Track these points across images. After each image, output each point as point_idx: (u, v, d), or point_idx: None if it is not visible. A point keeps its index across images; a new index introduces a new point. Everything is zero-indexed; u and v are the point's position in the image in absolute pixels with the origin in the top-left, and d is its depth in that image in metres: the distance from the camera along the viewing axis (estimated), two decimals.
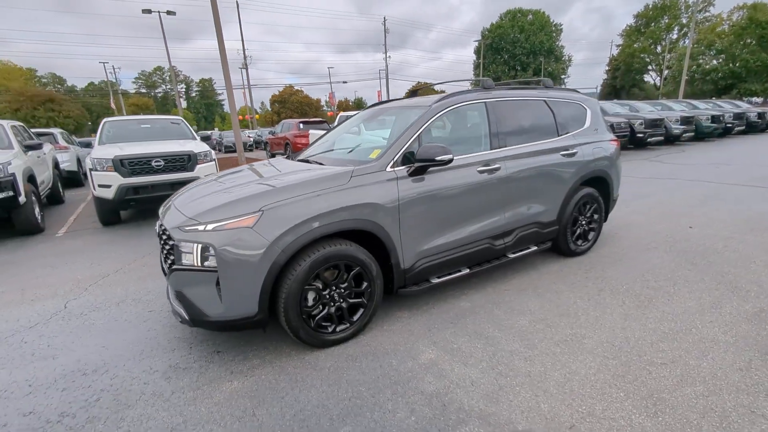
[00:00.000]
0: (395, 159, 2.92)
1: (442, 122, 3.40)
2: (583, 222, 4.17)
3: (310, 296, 2.63)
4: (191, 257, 2.41)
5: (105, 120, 7.91)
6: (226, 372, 2.53)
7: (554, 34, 51.19)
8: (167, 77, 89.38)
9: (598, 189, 4.21)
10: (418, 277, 3.08)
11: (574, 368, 2.40)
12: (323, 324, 2.71)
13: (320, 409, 2.16)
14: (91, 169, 6.25)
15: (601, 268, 3.87)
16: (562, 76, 53.59)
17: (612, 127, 12.77)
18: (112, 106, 39.07)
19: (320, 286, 2.65)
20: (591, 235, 4.29)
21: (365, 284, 2.80)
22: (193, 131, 8.38)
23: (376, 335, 2.87)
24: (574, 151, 3.92)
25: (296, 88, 55.96)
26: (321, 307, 2.68)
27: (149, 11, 27.50)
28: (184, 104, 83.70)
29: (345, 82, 57.45)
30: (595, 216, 4.26)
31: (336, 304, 2.72)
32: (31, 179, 6.70)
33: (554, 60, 51.66)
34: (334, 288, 2.70)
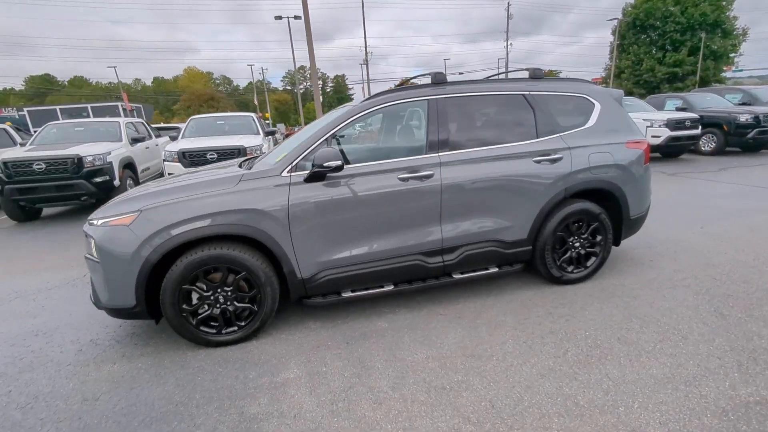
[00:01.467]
0: (293, 164, 2.77)
1: (369, 123, 3.10)
2: (576, 244, 3.37)
3: (194, 295, 2.70)
4: (90, 248, 2.69)
5: (191, 118, 9.19)
6: (118, 355, 2.77)
7: (724, 2, 41.33)
8: (308, 75, 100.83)
9: (601, 204, 3.34)
10: (323, 288, 2.89)
11: (418, 425, 1.99)
12: (212, 324, 2.76)
13: (145, 408, 2.22)
14: (164, 160, 7.52)
15: (582, 303, 3.08)
16: (732, 55, 43.11)
17: (732, 125, 9.99)
18: (255, 102, 45.21)
19: (204, 287, 2.69)
20: (590, 261, 3.44)
21: (254, 290, 2.75)
22: (259, 126, 9.17)
23: (266, 342, 2.81)
24: (558, 156, 3.16)
25: (413, 81, 56.23)
26: (206, 307, 2.73)
27: (280, 17, 31.11)
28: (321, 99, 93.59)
29: (461, 73, 55.70)
30: (597, 238, 3.39)
31: (221, 307, 2.74)
32: (129, 166, 8.24)
33: (721, 35, 41.81)
34: (219, 291, 2.71)
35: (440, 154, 2.97)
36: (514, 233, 3.17)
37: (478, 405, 2.10)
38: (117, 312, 2.68)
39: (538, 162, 3.12)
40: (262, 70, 64.59)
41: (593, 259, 3.45)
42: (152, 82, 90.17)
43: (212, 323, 2.77)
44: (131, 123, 9.57)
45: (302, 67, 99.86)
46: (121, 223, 2.57)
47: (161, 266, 2.62)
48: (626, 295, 3.17)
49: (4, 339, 3.07)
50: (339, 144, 3.19)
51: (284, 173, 2.75)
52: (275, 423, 2.05)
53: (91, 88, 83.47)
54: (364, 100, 3.01)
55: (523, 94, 3.24)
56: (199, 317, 2.72)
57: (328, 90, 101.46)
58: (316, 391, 2.28)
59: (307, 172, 2.72)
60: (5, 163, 6.93)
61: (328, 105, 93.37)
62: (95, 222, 2.66)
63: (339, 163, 2.62)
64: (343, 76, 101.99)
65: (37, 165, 6.93)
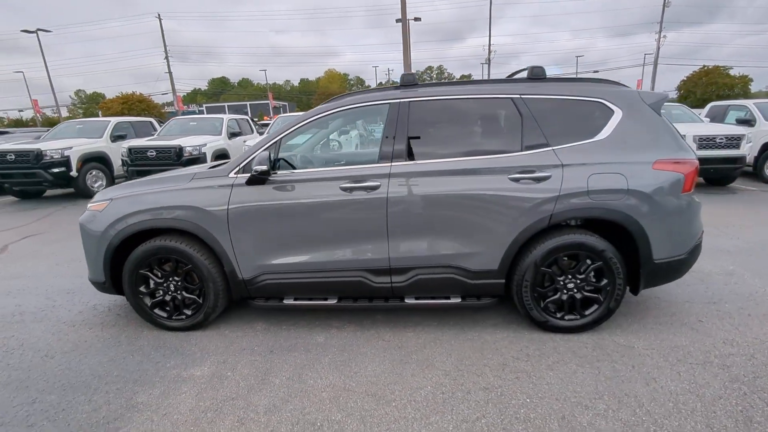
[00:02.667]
0: (241, 165, 2.79)
1: (326, 127, 2.93)
2: (569, 285, 2.69)
3: (152, 281, 2.94)
4: None
5: (279, 117, 9.85)
6: (99, 322, 3.18)
7: None
8: (434, 75, 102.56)
9: (609, 239, 2.60)
10: (265, 292, 2.88)
11: None
12: (166, 309, 2.98)
13: (74, 374, 2.51)
14: None
15: (555, 360, 2.45)
16: None
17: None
18: None
19: (158, 275, 2.92)
20: (591, 309, 2.72)
21: (200, 284, 2.88)
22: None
23: (208, 335, 2.92)
24: (545, 174, 2.56)
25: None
26: (160, 292, 2.96)
27: (399, 20, 31.90)
28: None
29: (596, 71, 49.35)
30: (603, 281, 2.65)
31: (171, 294, 2.93)
32: (223, 156, 9.40)
33: None
34: (170, 279, 2.91)
35: (392, 164, 2.66)
36: (481, 262, 2.68)
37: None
38: (95, 285, 3.08)
39: (517, 180, 2.56)
40: (388, 71, 67.05)
41: (595, 307, 2.72)
42: (299, 83, 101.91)
43: (167, 308, 2.98)
44: (234, 120, 10.89)
45: (430, 68, 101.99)
46: (96, 208, 2.93)
47: (126, 249, 2.91)
48: (623, 362, 2.42)
49: (44, 291, 3.81)
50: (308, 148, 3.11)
51: (231, 174, 2.80)
52: (143, 417, 2.11)
53: (253, 89, 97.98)
54: (324, 103, 2.88)
55: (512, 98, 2.69)
56: (153, 300, 2.96)
57: None
58: (203, 395, 2.28)
59: (247, 175, 2.71)
60: (129, 149, 8.57)
61: None
62: (88, 206, 3.09)
63: (264, 168, 2.56)
64: (469, 75, 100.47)
65: (150, 152, 8.39)
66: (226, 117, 10.42)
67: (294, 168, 2.91)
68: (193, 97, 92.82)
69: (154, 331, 2.99)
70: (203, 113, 40.02)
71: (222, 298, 2.90)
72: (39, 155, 8.21)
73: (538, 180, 2.55)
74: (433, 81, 2.50)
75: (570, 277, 2.68)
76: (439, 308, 3.04)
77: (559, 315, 2.74)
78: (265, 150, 2.76)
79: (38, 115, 44.34)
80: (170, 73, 40.28)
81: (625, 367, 2.38)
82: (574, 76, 3.62)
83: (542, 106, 2.67)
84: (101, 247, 2.87)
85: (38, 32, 33.27)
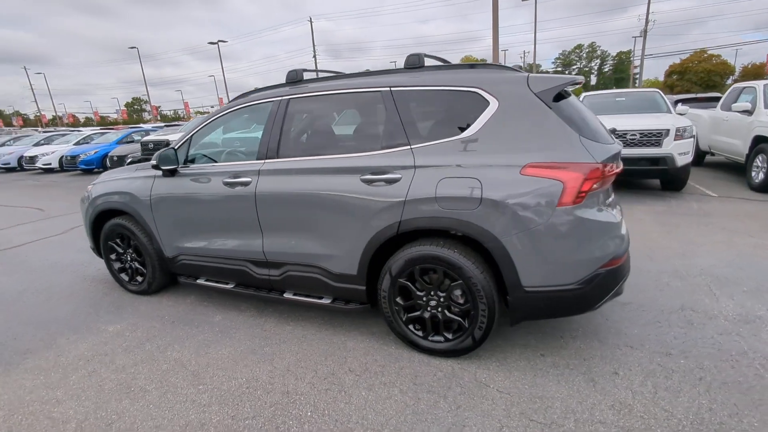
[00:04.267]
0: None
1: (232, 123, 3.11)
2: (432, 303, 2.37)
3: (117, 251, 3.63)
4: None
5: (584, 94, 7.94)
6: (93, 277, 4.06)
7: None
8: (584, 54, 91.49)
9: (467, 255, 2.20)
10: (184, 270, 3.29)
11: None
12: (128, 274, 3.65)
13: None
14: None
15: (370, 384, 2.23)
16: None
17: None
18: None
19: (120, 246, 3.59)
20: (456, 335, 2.35)
21: (143, 257, 3.46)
22: (669, 104, 7.27)
23: (146, 300, 3.46)
24: (395, 176, 2.29)
25: (710, 52, 41.15)
26: (121, 262, 3.63)
27: None
28: (593, 80, 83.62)
29: None
30: (467, 305, 2.26)
31: (129, 264, 3.58)
32: None
33: None
34: (127, 251, 3.55)
35: (265, 161, 2.73)
36: (341, 265, 2.56)
37: (77, 411, 2.11)
38: (92, 250, 3.93)
39: (369, 182, 2.36)
40: (524, 53, 62.34)
41: (460, 332, 2.34)
42: None
43: (128, 274, 3.65)
44: None
45: (579, 46, 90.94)
46: (88, 190, 3.74)
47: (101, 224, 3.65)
48: (459, 400, 2.06)
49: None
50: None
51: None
52: (49, 353, 2.72)
53: None
54: (231, 101, 3.08)
55: (380, 92, 2.46)
56: (119, 266, 3.65)
57: (606, 70, 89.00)
58: (95, 347, 2.77)
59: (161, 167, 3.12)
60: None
61: (603, 86, 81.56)
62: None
63: (154, 162, 2.91)
64: (629, 52, 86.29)
65: (631, 136, 6.09)
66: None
67: (215, 162, 3.21)
68: None
69: (120, 292, 3.70)
70: None
71: (158, 271, 3.41)
72: (167, 144, 10.37)
73: (389, 182, 2.31)
74: (388, 69, 2.37)
75: (431, 294, 2.36)
76: (315, 307, 2.98)
77: (422, 333, 2.45)
78: (179, 147, 3.13)
79: None
80: (317, 71, 45.16)
81: (456, 406, 2.03)
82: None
83: (411, 100, 2.38)
84: (87, 221, 3.68)
85: (219, 43, 41.23)
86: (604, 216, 2.08)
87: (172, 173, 3.09)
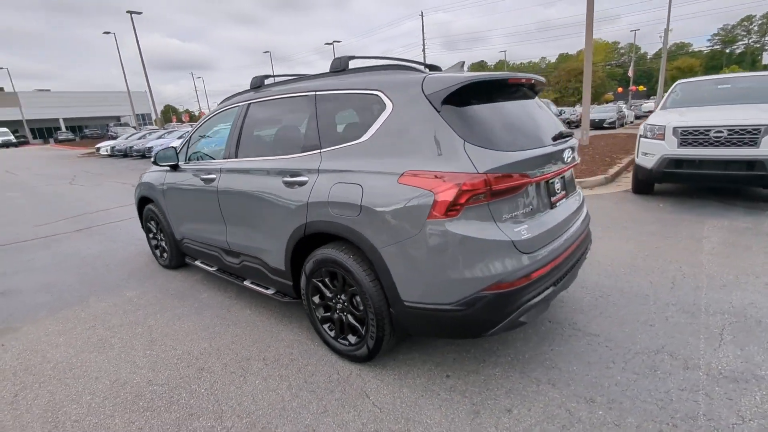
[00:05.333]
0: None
1: (220, 124, 3.45)
2: (338, 306, 2.38)
3: (152, 230, 4.37)
4: None
5: (678, 82, 6.80)
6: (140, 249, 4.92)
7: None
8: (754, 27, 74.31)
9: (359, 262, 2.15)
10: (188, 252, 3.83)
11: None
12: (157, 251, 4.37)
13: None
14: (641, 135, 5.64)
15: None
16: None
17: None
18: (630, 73, 39.13)
19: (152, 228, 4.31)
20: (355, 340, 2.33)
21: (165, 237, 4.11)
22: None
23: (166, 274, 4.11)
24: (304, 179, 2.35)
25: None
26: (156, 239, 4.36)
27: None
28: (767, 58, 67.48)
29: None
30: (362, 311, 2.23)
31: (159, 242, 4.29)
32: None
33: None
34: (157, 231, 4.26)
35: (227, 160, 3.02)
36: (274, 260, 2.72)
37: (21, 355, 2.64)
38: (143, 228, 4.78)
39: (288, 184, 2.46)
40: (665, 32, 52.96)
41: (358, 338, 2.31)
42: (557, 59, 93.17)
43: (157, 251, 4.36)
44: None
45: (748, 18, 73.84)
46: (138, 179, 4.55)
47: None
48: (335, 400, 2.08)
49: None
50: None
51: None
52: (80, 307, 3.47)
53: (509, 69, 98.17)
54: (219, 104, 3.44)
55: (307, 96, 2.52)
56: (154, 243, 4.39)
57: None
58: (108, 308, 3.45)
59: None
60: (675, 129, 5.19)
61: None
62: None
63: (152, 159, 3.41)
64: None
65: (716, 133, 4.91)
66: None
67: (213, 159, 3.65)
68: None
69: (154, 265, 4.44)
70: None
71: (174, 250, 4.02)
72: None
73: (300, 185, 2.39)
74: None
75: (338, 297, 2.38)
76: (264, 296, 3.16)
77: (333, 334, 2.48)
78: (182, 146, 3.62)
79: None
80: (425, 63, 45.33)
81: (322, 411, 2.06)
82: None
83: (328, 103, 2.40)
84: (136, 205, 4.50)
85: (334, 43, 44.31)
86: (487, 233, 1.84)
87: (174, 168, 3.61)
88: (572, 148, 2.39)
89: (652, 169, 5.38)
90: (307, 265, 2.44)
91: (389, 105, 2.08)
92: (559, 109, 16.67)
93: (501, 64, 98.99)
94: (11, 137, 43.09)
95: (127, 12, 27.85)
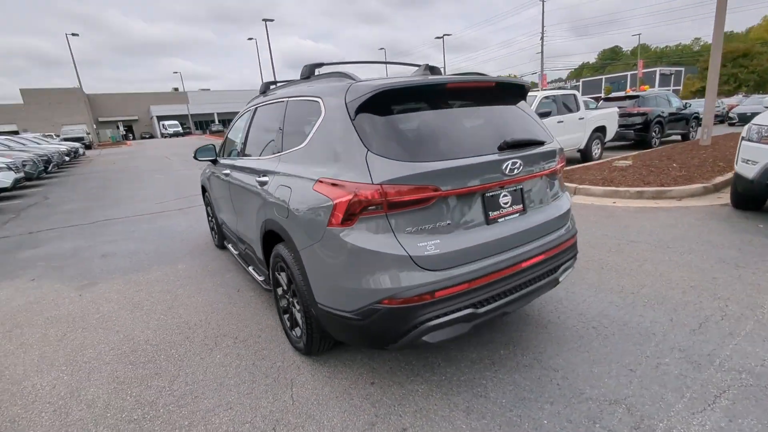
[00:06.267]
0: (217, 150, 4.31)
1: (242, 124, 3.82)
2: (292, 299, 2.55)
3: (208, 214, 5.10)
4: None
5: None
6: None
7: None
8: None
9: (293, 258, 2.27)
10: (225, 235, 4.40)
11: None
12: (214, 234, 5.09)
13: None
14: (743, 138, 4.66)
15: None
16: None
17: None
18: None
19: (208, 212, 5.03)
20: (302, 336, 2.46)
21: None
22: None
23: (206, 255, 4.78)
24: (266, 179, 2.55)
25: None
26: (211, 223, 5.08)
27: None
28: None
29: None
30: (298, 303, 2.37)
31: (211, 225, 4.99)
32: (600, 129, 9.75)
33: None
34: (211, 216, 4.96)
35: (238, 158, 3.39)
36: (258, 250, 3.00)
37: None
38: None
39: (259, 183, 2.69)
40: None
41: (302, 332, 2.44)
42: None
43: (213, 231, 5.07)
44: (548, 97, 8.94)
45: None
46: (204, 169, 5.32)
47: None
48: (277, 395, 2.27)
49: None
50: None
51: None
52: (123, 276, 4.30)
53: (648, 54, 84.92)
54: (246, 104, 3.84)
55: (282, 101, 2.71)
56: (211, 225, 5.12)
57: None
58: (155, 274, 4.20)
59: None
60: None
61: None
62: None
63: (194, 155, 3.96)
64: None
65: None
66: (540, 95, 8.76)
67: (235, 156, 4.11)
68: (579, 72, 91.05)
69: (210, 244, 5.17)
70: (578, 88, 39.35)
71: (219, 232, 4.65)
72: None
73: (263, 185, 2.60)
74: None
75: (288, 290, 2.55)
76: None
77: (289, 324, 2.67)
78: (221, 143, 4.15)
79: None
80: (542, 53, 42.08)
81: (237, 393, 2.27)
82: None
83: (292, 109, 2.55)
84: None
85: (444, 36, 43.86)
86: (383, 245, 1.78)
87: (214, 162, 4.17)
88: (525, 159, 2.10)
89: (753, 180, 4.28)
90: (271, 258, 2.65)
91: (323, 112, 2.14)
92: (685, 102, 13.91)
93: (640, 48, 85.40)
94: (180, 129, 52.85)
95: (263, 20, 31.71)
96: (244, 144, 3.33)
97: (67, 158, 20.08)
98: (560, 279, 2.32)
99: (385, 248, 1.80)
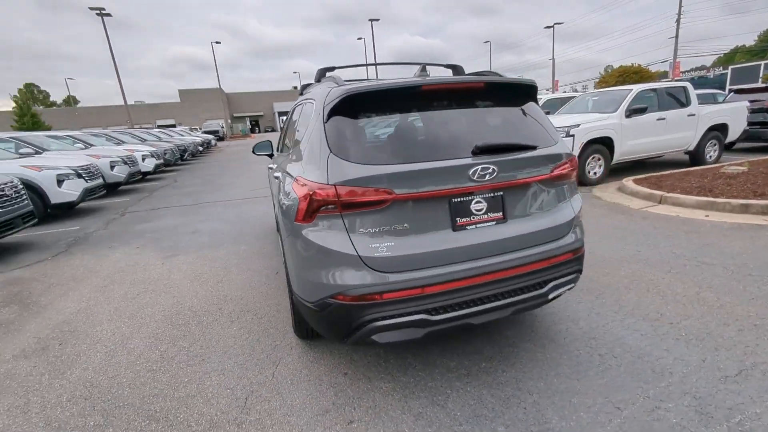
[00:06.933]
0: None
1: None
2: None
3: None
4: None
5: None
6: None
7: None
8: None
9: None
10: None
11: None
12: None
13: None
14: None
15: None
16: None
17: None
18: None
19: None
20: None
21: None
22: None
23: (272, 238, 5.31)
24: (280, 174, 2.81)
25: None
26: None
27: None
28: None
29: None
30: None
31: None
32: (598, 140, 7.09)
33: None
34: None
35: (276, 152, 3.74)
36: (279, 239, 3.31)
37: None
38: None
39: (276, 178, 2.97)
40: None
41: None
42: None
43: None
44: (648, 90, 7.65)
45: None
46: None
47: None
48: (263, 376, 2.56)
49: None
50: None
51: None
52: (207, 250, 5.01)
53: None
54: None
55: (299, 104, 2.92)
56: None
57: None
58: (220, 252, 4.84)
59: None
60: None
61: None
62: None
63: (253, 149, 4.43)
64: None
65: None
66: (637, 88, 7.64)
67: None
68: (732, 57, 75.56)
69: (272, 231, 5.73)
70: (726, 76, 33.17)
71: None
72: None
73: (279, 179, 2.86)
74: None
75: None
76: None
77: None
78: (276, 140, 4.57)
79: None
80: (676, 37, 36.09)
81: (221, 370, 2.57)
82: None
83: (299, 111, 2.76)
84: None
85: (554, 26, 40.16)
86: (335, 243, 1.86)
87: (271, 156, 4.62)
88: (502, 165, 1.95)
89: None
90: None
91: (313, 114, 2.29)
92: None
93: None
94: None
95: (369, 20, 32.96)
96: (281, 141, 3.65)
97: (200, 148, 23.70)
98: (550, 296, 2.12)
99: (338, 246, 1.88)
